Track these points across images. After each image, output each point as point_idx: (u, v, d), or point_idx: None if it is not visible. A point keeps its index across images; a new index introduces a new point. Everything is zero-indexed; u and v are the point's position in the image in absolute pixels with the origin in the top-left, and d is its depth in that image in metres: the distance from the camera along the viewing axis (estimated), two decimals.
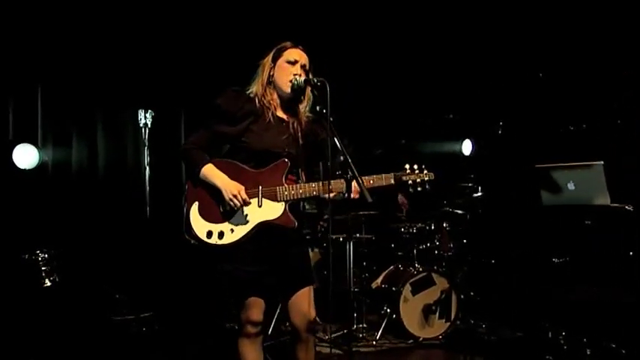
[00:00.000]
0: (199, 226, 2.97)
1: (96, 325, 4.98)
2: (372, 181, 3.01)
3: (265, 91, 3.07)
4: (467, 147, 6.75)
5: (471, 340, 5.05)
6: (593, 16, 5.42)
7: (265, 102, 3.05)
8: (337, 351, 4.77)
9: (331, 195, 2.96)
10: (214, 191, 2.96)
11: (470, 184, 5.60)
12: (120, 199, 6.04)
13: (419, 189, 3.07)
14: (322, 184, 2.96)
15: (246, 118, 3.00)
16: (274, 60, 3.10)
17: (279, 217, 2.99)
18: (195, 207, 2.99)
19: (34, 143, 5.60)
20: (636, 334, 4.23)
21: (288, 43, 3.11)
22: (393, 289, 5.01)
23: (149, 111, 5.40)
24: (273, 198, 2.99)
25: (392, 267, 5.37)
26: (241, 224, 2.97)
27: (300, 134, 3.09)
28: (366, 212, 5.19)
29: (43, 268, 4.10)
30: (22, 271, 4.10)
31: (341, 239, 5.31)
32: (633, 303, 4.22)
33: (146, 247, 5.66)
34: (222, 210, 2.97)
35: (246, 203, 2.94)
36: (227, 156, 3.05)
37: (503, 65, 6.33)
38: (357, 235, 5.32)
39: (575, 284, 4.89)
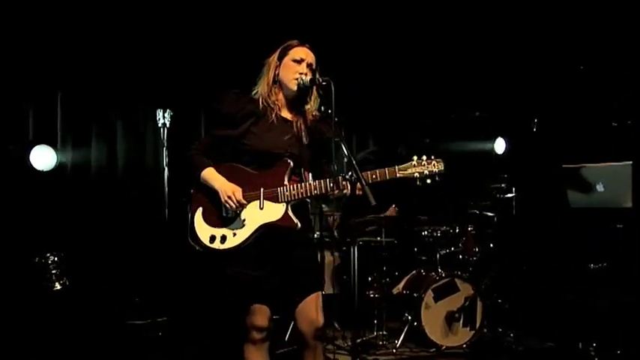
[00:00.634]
0: (203, 231, 3.00)
1: (109, 330, 4.99)
2: (375, 176, 2.91)
3: (271, 90, 3.07)
4: (500, 145, 6.59)
5: (497, 350, 4.95)
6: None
7: (270, 102, 3.04)
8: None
9: (335, 193, 2.93)
10: (216, 195, 2.98)
11: (502, 185, 5.46)
12: (138, 201, 6.07)
13: (428, 181, 2.90)
14: (324, 183, 2.92)
15: (247, 120, 3.01)
16: (280, 58, 3.08)
17: (280, 219, 2.97)
18: (199, 212, 3.03)
19: (54, 144, 5.67)
20: None
21: (294, 42, 3.10)
22: (415, 295, 4.92)
23: (167, 111, 5.38)
24: (275, 199, 2.98)
25: (414, 272, 5.29)
26: (243, 228, 2.97)
27: (304, 133, 3.08)
28: (387, 215, 5.07)
29: (53, 272, 4.10)
30: (33, 274, 4.10)
31: (360, 242, 5.21)
32: None
33: (164, 250, 5.65)
34: (224, 214, 2.99)
35: (241, 205, 2.94)
36: (231, 159, 3.07)
37: (537, 58, 6.17)
38: (378, 238, 5.21)
39: (610, 292, 4.72)
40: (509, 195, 5.54)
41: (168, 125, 5.41)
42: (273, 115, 3.02)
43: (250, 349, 3.05)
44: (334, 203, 5.43)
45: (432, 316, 4.87)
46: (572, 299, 5.08)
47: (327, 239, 5.57)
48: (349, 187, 2.83)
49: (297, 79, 2.98)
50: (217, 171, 3.02)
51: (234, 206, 2.93)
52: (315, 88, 3.00)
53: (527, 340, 5.07)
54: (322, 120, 3.07)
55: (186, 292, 5.51)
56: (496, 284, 5.45)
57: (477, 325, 4.97)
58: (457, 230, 5.36)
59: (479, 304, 4.98)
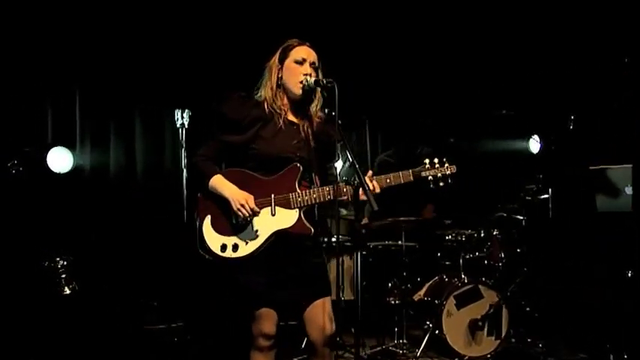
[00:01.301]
0: (213, 240, 3.00)
1: (122, 335, 5.03)
2: (389, 180, 2.98)
3: (275, 95, 3.06)
4: (534, 144, 6.45)
5: None
6: None
7: (276, 107, 3.04)
8: None
9: (344, 198, 2.96)
10: (225, 203, 2.98)
11: (535, 186, 5.33)
12: (157, 203, 6.10)
13: (441, 184, 3.01)
14: (336, 187, 2.93)
15: (255, 125, 3.01)
16: (281, 61, 3.08)
17: (293, 225, 2.97)
18: (207, 221, 3.02)
19: (72, 145, 5.75)
20: None
21: (294, 41, 3.10)
22: (436, 302, 4.88)
23: (186, 111, 5.41)
24: (287, 205, 2.98)
25: (436, 278, 5.24)
26: (255, 235, 2.97)
27: (311, 136, 3.08)
28: (407, 218, 4.98)
29: (62, 276, 4.14)
30: (42, 278, 4.15)
31: (380, 247, 5.14)
32: None
33: (182, 254, 5.66)
34: (234, 222, 2.99)
35: (254, 213, 2.95)
36: (238, 164, 3.06)
37: (574, 52, 6.02)
38: (399, 242, 5.13)
39: None
40: (543, 196, 5.37)
41: (187, 126, 5.44)
42: (281, 120, 3.02)
43: (257, 357, 3.06)
44: (350, 207, 5.40)
45: (454, 324, 4.79)
46: (606, 307, 4.95)
47: (347, 243, 5.52)
48: (351, 193, 2.88)
49: (301, 82, 2.98)
50: (225, 177, 3.02)
51: (247, 215, 2.93)
52: (319, 89, 3.00)
53: (558, 350, 4.96)
54: (328, 122, 3.06)
55: (203, 298, 5.51)
56: (524, 291, 5.33)
57: (503, 334, 4.87)
58: (482, 234, 5.25)
59: (504, 311, 4.89)
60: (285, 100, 3.08)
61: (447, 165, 3.01)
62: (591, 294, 5.21)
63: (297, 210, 2.97)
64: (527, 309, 5.34)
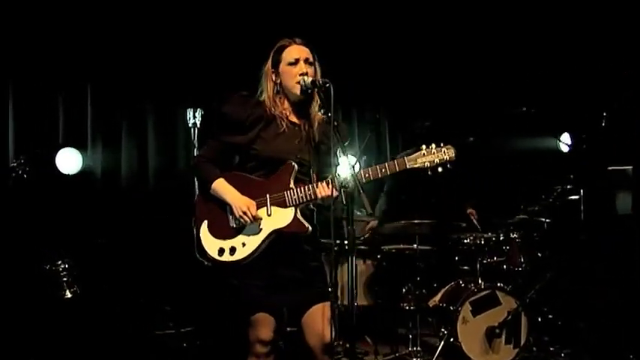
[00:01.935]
0: (210, 244, 3.02)
1: (131, 340, 5.05)
2: (383, 170, 2.94)
3: (275, 101, 3.08)
4: (564, 143, 6.35)
5: None
6: None
7: (277, 112, 3.05)
8: None
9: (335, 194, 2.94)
10: (222, 206, 3.01)
11: (558, 187, 5.22)
12: (169, 203, 6.13)
13: (439, 170, 2.93)
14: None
15: (257, 125, 3.02)
16: (275, 65, 3.09)
17: (289, 224, 2.97)
18: (204, 226, 3.05)
19: (83, 145, 5.82)
20: None
21: (284, 42, 3.11)
22: (451, 308, 4.83)
23: (198, 110, 5.43)
24: (282, 204, 2.99)
25: (453, 283, 5.20)
26: (252, 237, 2.98)
27: (313, 137, 3.09)
28: (424, 221, 4.93)
29: (64, 279, 4.18)
30: (44, 282, 4.20)
31: (393, 251, 5.10)
32: None
33: (194, 257, 5.67)
34: (231, 225, 3.01)
35: (256, 219, 2.96)
36: (237, 164, 3.10)
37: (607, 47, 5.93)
38: (414, 246, 5.07)
39: None
40: (572, 197, 5.27)
41: (199, 125, 5.45)
42: (284, 122, 3.04)
43: None
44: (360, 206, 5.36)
45: (470, 332, 4.75)
46: (633, 315, 4.83)
47: (362, 247, 5.49)
48: (334, 191, 2.87)
49: (299, 82, 2.98)
50: (227, 181, 3.04)
51: (249, 222, 2.94)
52: (316, 90, 3.00)
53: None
54: (330, 123, 3.02)
55: (213, 302, 5.50)
56: (546, 297, 5.22)
57: (522, 342, 4.81)
58: (502, 238, 5.16)
59: (523, 318, 4.82)
60: (286, 104, 3.09)
61: (444, 149, 2.92)
62: (622, 302, 5.10)
63: (293, 208, 2.97)
64: (550, 316, 5.23)
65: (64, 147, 5.59)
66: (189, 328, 5.40)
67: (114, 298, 5.37)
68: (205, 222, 3.04)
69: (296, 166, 2.99)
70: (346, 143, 3.11)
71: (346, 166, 2.82)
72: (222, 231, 3.00)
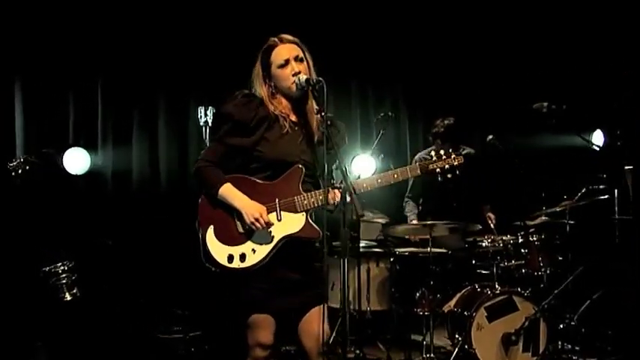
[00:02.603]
0: (218, 251, 3.02)
1: (137, 344, 5.10)
2: (396, 175, 3.07)
3: (273, 104, 3.10)
4: (598, 139, 6.34)
5: None
6: None
7: (278, 113, 3.09)
8: None
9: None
10: (228, 210, 3.03)
11: (585, 187, 5.15)
12: (181, 204, 6.16)
13: (449, 176, 3.13)
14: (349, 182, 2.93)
15: (261, 126, 3.05)
16: (265, 69, 3.12)
17: (302, 229, 3.02)
18: (210, 231, 3.04)
19: (94, 144, 5.89)
20: None
21: (270, 42, 3.13)
22: (465, 313, 4.81)
23: (209, 108, 5.48)
24: (292, 209, 3.03)
25: (469, 287, 5.18)
26: (263, 243, 3.01)
27: (314, 137, 3.13)
28: (436, 222, 4.90)
29: (63, 282, 4.24)
30: (43, 284, 4.27)
31: (407, 254, 5.07)
32: None
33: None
34: (240, 230, 3.03)
35: (268, 225, 2.98)
36: (240, 166, 3.11)
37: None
38: (429, 249, 5.03)
39: None
40: (601, 197, 5.20)
41: (210, 123, 5.49)
42: (287, 123, 3.07)
43: None
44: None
45: (485, 338, 4.74)
46: None
47: (379, 249, 5.49)
48: (338, 196, 2.94)
49: (294, 82, 3.02)
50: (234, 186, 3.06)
51: (261, 228, 2.96)
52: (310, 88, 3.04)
53: None
54: (329, 125, 3.06)
55: (221, 306, 5.54)
56: (569, 303, 5.15)
57: (540, 350, 4.79)
58: (520, 240, 5.11)
59: (542, 325, 4.78)
60: (285, 102, 3.13)
61: (453, 156, 3.11)
62: None
63: (304, 213, 3.02)
64: (573, 323, 5.15)
65: (71, 147, 5.67)
66: (198, 332, 5.44)
67: (121, 301, 5.45)
68: (211, 227, 3.04)
69: (304, 169, 3.03)
70: (346, 144, 3.28)
71: (339, 167, 2.87)
72: (230, 237, 3.02)
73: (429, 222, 4.92)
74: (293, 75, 3.01)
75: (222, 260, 2.99)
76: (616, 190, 5.33)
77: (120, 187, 6.17)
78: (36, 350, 4.29)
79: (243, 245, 2.99)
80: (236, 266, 2.97)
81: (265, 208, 2.98)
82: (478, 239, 5.24)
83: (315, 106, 3.09)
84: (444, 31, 6.79)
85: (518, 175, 5.48)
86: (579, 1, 6.17)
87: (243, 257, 2.98)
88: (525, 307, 4.77)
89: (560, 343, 5.05)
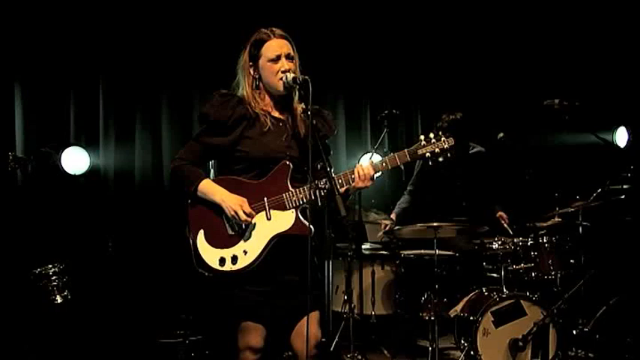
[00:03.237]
0: (209, 255, 3.05)
1: (135, 348, 5.15)
2: (385, 164, 3.05)
3: (255, 98, 3.13)
4: (622, 137, 6.33)
5: None
6: None
7: (258, 108, 3.11)
8: None
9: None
10: (217, 213, 3.05)
11: (600, 187, 5.12)
12: (185, 203, 6.18)
13: (440, 159, 3.09)
14: (333, 181, 2.96)
15: (239, 125, 3.07)
16: (253, 59, 3.13)
17: (292, 227, 3.03)
18: (201, 235, 3.08)
19: (95, 142, 6.02)
20: None
21: (263, 35, 3.14)
22: (471, 318, 4.81)
23: None
24: (282, 207, 3.05)
25: (476, 291, 5.18)
26: (254, 243, 3.03)
27: (299, 132, 3.14)
28: (442, 224, 4.88)
29: (54, 284, 4.29)
30: (33, 287, 4.32)
31: (412, 256, 5.05)
32: None
33: None
34: (230, 232, 3.06)
35: (250, 216, 3.00)
36: (225, 169, 3.14)
37: None
38: (437, 251, 5.04)
39: None
40: (619, 197, 5.15)
41: None
42: (268, 119, 3.09)
43: None
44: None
45: (492, 344, 4.74)
46: None
47: (381, 252, 5.48)
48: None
49: (282, 79, 3.04)
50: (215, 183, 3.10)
51: (243, 218, 2.98)
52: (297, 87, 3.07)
53: None
54: (315, 115, 3.10)
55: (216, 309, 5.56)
56: (582, 308, 5.10)
57: (550, 356, 4.77)
58: (530, 243, 5.09)
59: (551, 331, 4.77)
60: (267, 99, 3.16)
61: (443, 139, 3.06)
62: None
63: (294, 210, 3.03)
64: (586, 329, 5.10)
65: (70, 145, 5.73)
66: (198, 337, 5.47)
67: (122, 305, 5.49)
68: (201, 231, 3.07)
69: (291, 165, 3.05)
70: (335, 132, 3.25)
71: (324, 167, 2.90)
72: (220, 239, 3.05)
73: (434, 224, 4.90)
74: (282, 72, 3.03)
75: (214, 264, 3.01)
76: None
77: (122, 187, 6.23)
78: (25, 353, 4.34)
79: (234, 247, 3.02)
80: (228, 269, 3.00)
81: (246, 200, 3.00)
82: (486, 241, 5.20)
83: (302, 105, 3.13)
84: (456, 27, 6.77)
85: (529, 175, 5.43)
86: None
87: (234, 259, 3.00)
88: (534, 311, 4.76)
89: (573, 349, 5.02)
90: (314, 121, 3.07)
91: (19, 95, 5.82)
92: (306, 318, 3.01)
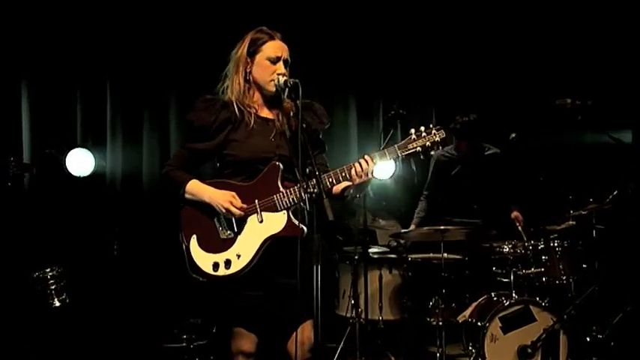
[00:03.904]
0: (202, 260, 3.12)
1: (141, 352, 5.21)
2: (374, 160, 3.04)
3: (244, 93, 3.18)
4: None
5: None
6: None
7: (245, 105, 3.16)
8: None
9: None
10: (209, 217, 3.12)
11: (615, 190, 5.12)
12: None
13: (432, 153, 3.07)
14: (327, 182, 3.01)
15: (224, 129, 3.14)
16: (251, 54, 3.17)
17: (284, 229, 3.06)
18: (194, 241, 3.15)
19: (102, 143, 6.11)
20: None
21: (265, 34, 3.18)
22: (479, 324, 4.82)
23: None
24: (273, 209, 3.08)
25: (485, 296, 5.19)
26: (247, 247, 3.07)
27: (289, 130, 3.17)
28: (449, 227, 4.90)
29: (52, 287, 4.38)
30: (32, 290, 4.41)
31: (419, 260, 5.07)
32: None
33: None
34: (222, 237, 3.12)
35: (243, 210, 3.04)
36: (215, 174, 3.22)
37: None
38: (445, 255, 5.07)
39: None
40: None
41: None
42: (252, 118, 3.14)
43: None
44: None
45: (500, 351, 4.76)
46: None
47: (391, 255, 5.51)
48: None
49: (273, 80, 3.09)
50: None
51: (237, 213, 3.03)
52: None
53: None
54: (305, 109, 3.12)
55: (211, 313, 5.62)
56: (596, 314, 5.08)
57: None
58: (540, 247, 5.09)
59: (562, 338, 4.77)
60: (257, 96, 3.21)
61: (434, 132, 3.03)
62: None
63: (285, 211, 3.06)
64: (600, 336, 5.08)
65: (75, 147, 5.81)
66: (203, 341, 5.52)
67: (128, 309, 5.56)
68: (194, 236, 3.14)
69: (281, 165, 3.09)
70: (327, 125, 3.27)
71: (313, 172, 2.89)
72: (213, 244, 3.11)
73: (441, 227, 4.92)
74: (277, 74, 3.08)
75: (208, 269, 3.07)
76: None
77: (129, 189, 6.32)
78: (25, 353, 4.43)
79: (227, 252, 3.07)
80: (222, 274, 3.05)
81: (235, 193, 3.05)
82: (495, 245, 5.23)
83: (291, 103, 3.16)
84: (468, 27, 6.77)
85: (542, 177, 5.43)
86: None
87: (228, 264, 3.05)
88: (543, 317, 4.77)
89: (589, 358, 5.00)
90: (303, 116, 3.10)
91: (25, 96, 5.96)
92: (303, 326, 3.06)
